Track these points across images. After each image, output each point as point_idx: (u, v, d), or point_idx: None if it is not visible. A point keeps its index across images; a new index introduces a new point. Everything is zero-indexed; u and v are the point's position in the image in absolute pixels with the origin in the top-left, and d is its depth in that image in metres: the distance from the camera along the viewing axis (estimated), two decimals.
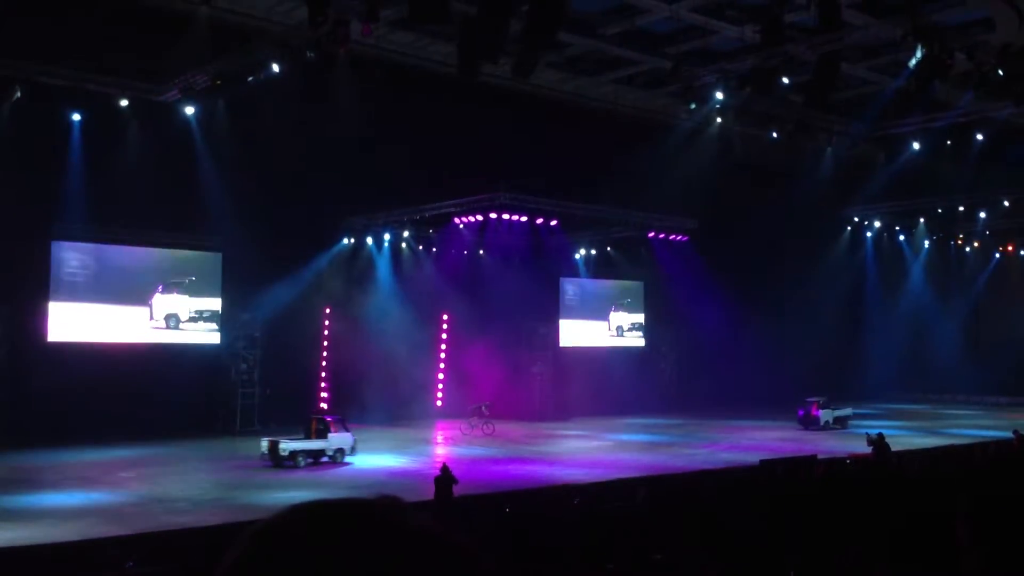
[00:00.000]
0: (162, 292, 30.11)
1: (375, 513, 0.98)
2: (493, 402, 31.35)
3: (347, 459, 23.54)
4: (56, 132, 25.80)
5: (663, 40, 27.17)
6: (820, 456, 20.63)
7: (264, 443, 23.31)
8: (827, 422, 31.93)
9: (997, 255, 46.87)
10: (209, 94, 24.97)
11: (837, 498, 11.88)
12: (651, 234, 35.52)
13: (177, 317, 30.37)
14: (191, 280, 30.58)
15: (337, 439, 23.76)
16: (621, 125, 32.71)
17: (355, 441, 24.02)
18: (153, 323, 29.97)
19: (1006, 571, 2.86)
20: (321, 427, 23.84)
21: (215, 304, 31.10)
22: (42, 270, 27.90)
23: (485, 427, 29.82)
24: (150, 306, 29.97)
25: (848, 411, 33.07)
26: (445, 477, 16.07)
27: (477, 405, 30.96)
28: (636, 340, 41.47)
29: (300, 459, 22.89)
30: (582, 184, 31.70)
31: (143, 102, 25.61)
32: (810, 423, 31.76)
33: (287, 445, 22.94)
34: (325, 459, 23.41)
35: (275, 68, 22.58)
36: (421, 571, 0.94)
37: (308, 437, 23.65)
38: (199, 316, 30.79)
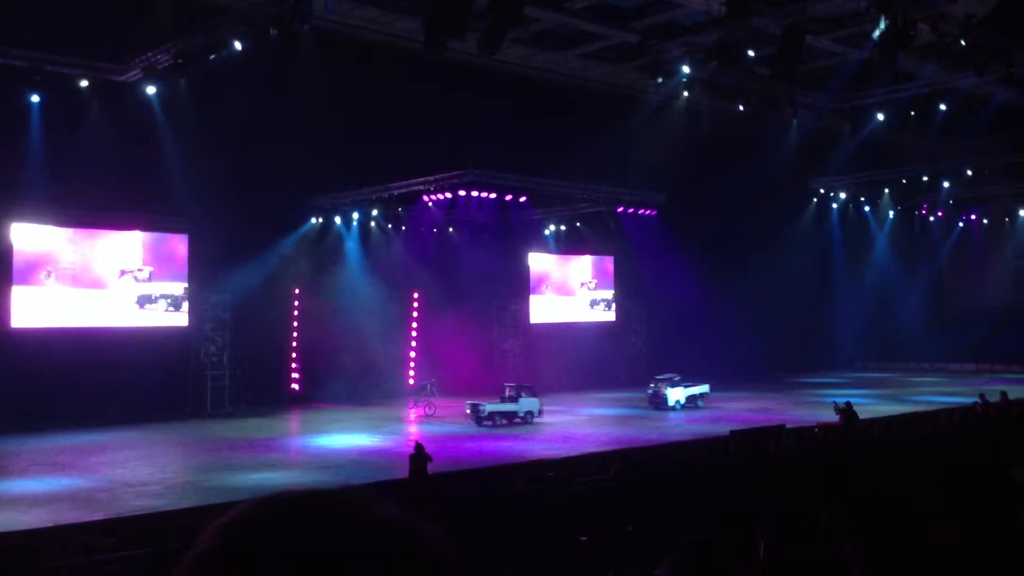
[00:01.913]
0: (118, 277, 29.60)
1: (340, 505, 0.98)
2: (438, 379, 30.88)
3: (536, 420, 26.98)
4: (15, 114, 25.27)
5: (630, 14, 27.11)
6: (789, 425, 20.92)
7: (468, 405, 26.84)
8: (677, 402, 29.62)
9: (960, 224, 47.58)
10: (171, 73, 24.57)
11: (806, 466, 12.06)
12: (620, 209, 35.59)
13: (145, 298, 29.93)
14: (141, 269, 29.94)
15: (527, 403, 27.24)
16: (589, 100, 32.66)
17: (542, 405, 27.47)
18: (113, 307, 29.44)
19: (966, 532, 2.93)
20: (514, 393, 27.31)
21: (175, 288, 30.51)
22: (3, 254, 27.45)
23: (428, 407, 29.05)
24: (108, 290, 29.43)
25: (702, 389, 30.68)
26: (419, 455, 16.10)
27: (423, 383, 30.35)
28: (606, 315, 41.66)
29: (497, 419, 26.38)
30: (550, 160, 31.66)
31: (103, 82, 25.17)
32: (659, 403, 29.45)
33: (487, 407, 26.50)
34: (518, 419, 26.71)
35: (237, 46, 22.28)
36: (387, 563, 0.94)
37: (503, 401, 27.20)
38: (155, 298, 30.17)
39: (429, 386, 29.76)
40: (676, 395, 29.60)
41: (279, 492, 1.00)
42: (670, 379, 29.93)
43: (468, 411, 26.80)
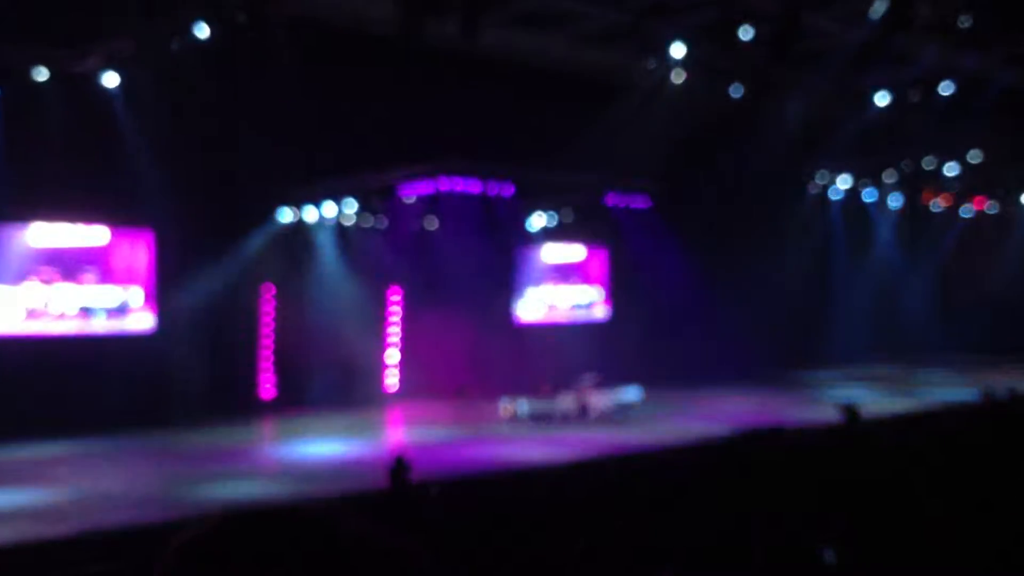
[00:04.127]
0: (66, 279, 29.06)
1: (307, 520, 0.99)
2: (470, 382, 30.72)
3: (573, 416, 28.11)
4: None
5: None
6: (789, 425, 21.00)
7: (504, 403, 28.23)
8: (604, 407, 28.87)
9: (966, 211, 47.82)
10: (132, 62, 24.43)
11: (807, 466, 12.14)
12: (611, 199, 35.57)
13: (90, 308, 29.47)
14: (85, 272, 29.52)
15: (564, 401, 28.57)
16: (577, 85, 32.64)
17: (582, 403, 28.63)
18: (52, 315, 28.69)
19: (968, 527, 2.98)
20: (551, 391, 28.53)
21: (114, 295, 30.01)
22: None
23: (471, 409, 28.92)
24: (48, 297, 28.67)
25: (631, 393, 29.66)
26: (400, 463, 16.08)
27: (459, 386, 29.96)
28: (599, 310, 41.72)
29: (535, 417, 27.73)
30: (538, 149, 31.62)
31: (61, 73, 24.99)
32: (582, 413, 28.44)
33: (523, 406, 28.00)
34: (556, 418, 27.84)
35: (203, 32, 22.18)
36: None
37: (540, 399, 28.48)
38: (95, 308, 29.76)
39: (465, 388, 29.59)
40: (601, 400, 28.85)
41: (241, 507, 1.01)
42: (594, 383, 29.17)
43: (502, 410, 28.13)
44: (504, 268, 38.51)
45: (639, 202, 35.86)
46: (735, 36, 24.40)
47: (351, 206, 34.48)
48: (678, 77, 28.79)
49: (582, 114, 32.11)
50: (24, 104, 25.36)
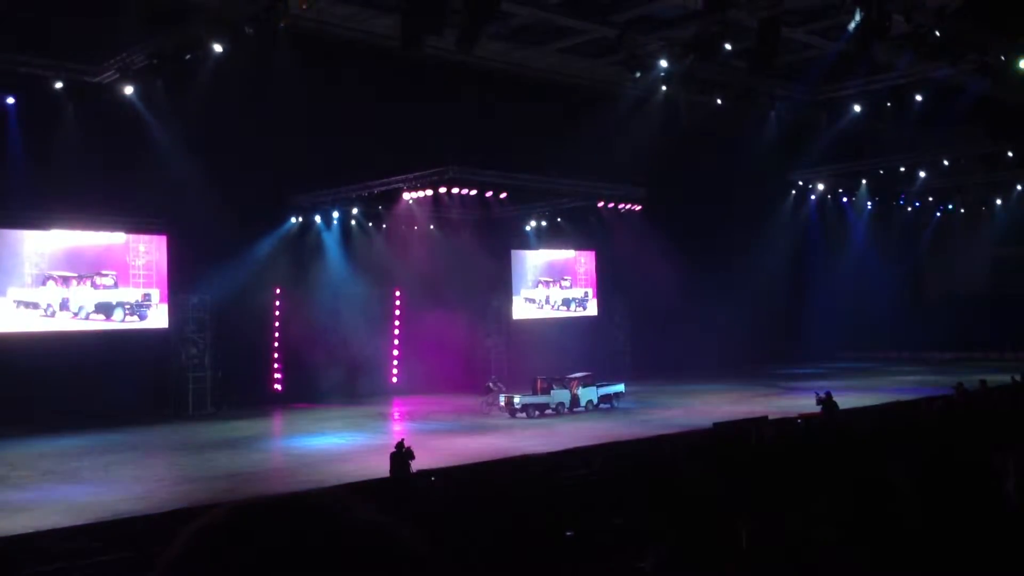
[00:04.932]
0: (78, 284, 28.99)
1: (314, 508, 0.97)
2: (497, 376, 30.45)
3: (565, 410, 27.97)
4: None
5: (607, 8, 27.12)
6: (771, 416, 21.03)
7: (502, 398, 27.96)
8: (590, 401, 28.77)
9: (938, 214, 47.95)
10: (146, 74, 24.34)
11: (788, 457, 12.15)
12: (601, 203, 35.61)
13: (104, 306, 29.47)
14: (103, 274, 29.50)
15: (557, 395, 28.06)
16: (568, 95, 32.70)
17: (571, 397, 28.27)
18: (67, 314, 28.73)
19: (946, 516, 2.97)
20: (546, 385, 28.05)
21: (132, 294, 30.02)
22: None
23: (495, 404, 28.37)
24: (66, 299, 28.75)
25: (617, 388, 29.85)
26: (400, 453, 16.08)
27: (488, 382, 29.56)
28: (589, 310, 41.74)
29: (530, 411, 27.35)
30: (531, 156, 31.65)
31: (79, 83, 24.93)
32: (572, 404, 28.51)
33: (520, 399, 27.57)
34: (549, 411, 27.62)
35: (213, 45, 22.11)
36: (362, 565, 0.93)
37: (535, 393, 27.98)
38: (113, 305, 29.71)
39: (494, 382, 29.32)
40: (588, 395, 28.75)
41: (253, 496, 0.99)
42: (582, 378, 29.07)
43: (502, 403, 27.73)
44: (499, 269, 38.55)
45: (629, 206, 35.85)
46: (717, 49, 24.38)
47: (356, 211, 34.53)
48: (663, 87, 28.80)
49: (573, 122, 32.11)
50: (43, 113, 25.31)
